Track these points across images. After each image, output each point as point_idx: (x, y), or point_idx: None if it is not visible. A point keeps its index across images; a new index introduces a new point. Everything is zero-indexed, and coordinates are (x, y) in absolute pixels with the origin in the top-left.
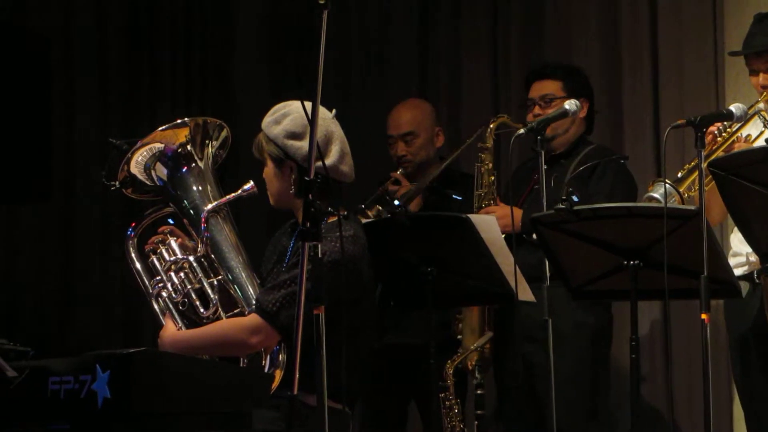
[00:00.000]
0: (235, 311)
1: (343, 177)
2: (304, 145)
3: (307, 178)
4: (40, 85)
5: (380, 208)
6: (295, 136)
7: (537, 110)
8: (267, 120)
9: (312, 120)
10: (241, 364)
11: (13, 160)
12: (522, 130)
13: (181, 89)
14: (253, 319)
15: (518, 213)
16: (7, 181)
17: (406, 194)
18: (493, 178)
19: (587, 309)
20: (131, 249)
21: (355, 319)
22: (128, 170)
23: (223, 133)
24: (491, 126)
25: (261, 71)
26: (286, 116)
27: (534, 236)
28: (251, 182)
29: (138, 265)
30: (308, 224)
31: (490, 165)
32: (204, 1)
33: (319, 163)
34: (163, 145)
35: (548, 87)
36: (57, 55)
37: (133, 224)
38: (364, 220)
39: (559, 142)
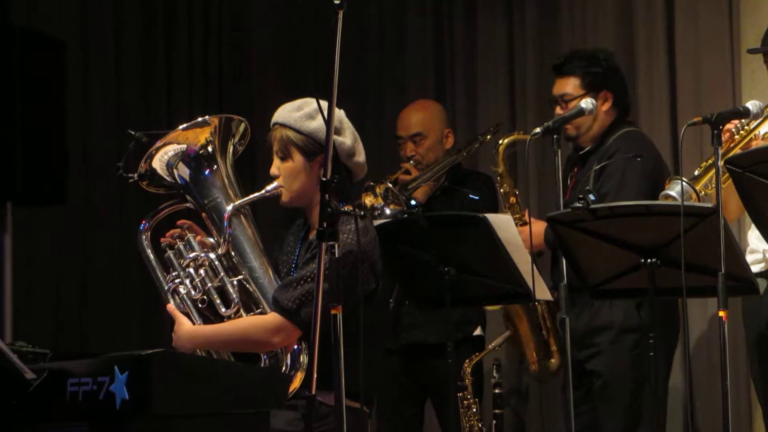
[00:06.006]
0: (257, 311)
1: (362, 175)
2: (345, 140)
3: (324, 179)
4: (56, 88)
5: (389, 185)
6: (336, 131)
7: (558, 110)
8: (295, 115)
9: (328, 120)
10: (262, 364)
11: (30, 163)
12: (538, 130)
13: (198, 91)
14: (274, 318)
15: (542, 226)
16: (23, 184)
17: (415, 181)
18: (514, 199)
19: (629, 311)
20: (144, 242)
21: (370, 311)
22: (150, 165)
23: (242, 127)
24: (500, 149)
25: (277, 71)
26: (319, 112)
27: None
28: (275, 182)
29: (152, 259)
30: (325, 224)
31: (508, 187)
32: (221, 1)
33: (357, 160)
34: (185, 146)
35: (566, 85)
36: (73, 58)
37: (145, 218)
38: (377, 222)
39: (584, 139)
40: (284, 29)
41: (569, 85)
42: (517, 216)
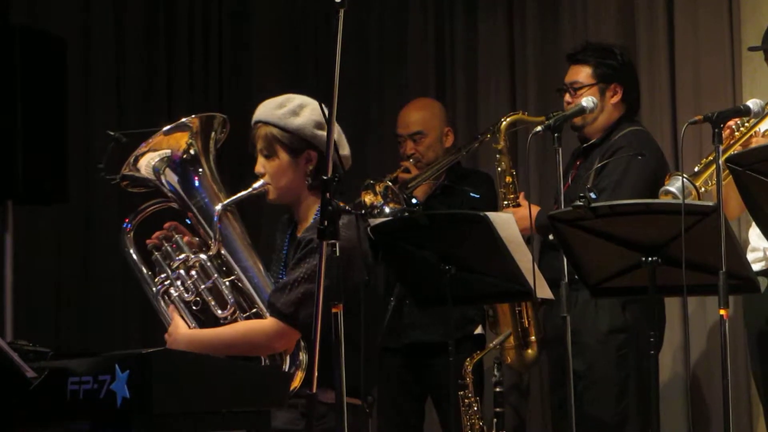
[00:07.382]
0: (252, 311)
1: (347, 167)
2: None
3: (325, 177)
4: (56, 87)
5: (389, 183)
6: (321, 126)
7: (567, 98)
8: (278, 112)
9: (329, 119)
10: (263, 363)
11: (31, 162)
12: (539, 128)
13: (198, 90)
14: (273, 323)
15: (536, 210)
16: (24, 183)
17: (415, 180)
18: (510, 179)
19: (615, 311)
20: (127, 243)
21: (363, 305)
22: (135, 168)
23: (220, 120)
24: (502, 126)
25: (278, 69)
26: (303, 107)
27: (551, 237)
28: (262, 180)
29: (136, 260)
30: (325, 223)
31: (506, 165)
32: (221, 1)
33: (344, 153)
34: (170, 151)
35: (578, 73)
36: (74, 56)
37: (128, 218)
38: (376, 221)
39: (590, 130)
40: (284, 29)
41: (581, 74)
42: (512, 197)
